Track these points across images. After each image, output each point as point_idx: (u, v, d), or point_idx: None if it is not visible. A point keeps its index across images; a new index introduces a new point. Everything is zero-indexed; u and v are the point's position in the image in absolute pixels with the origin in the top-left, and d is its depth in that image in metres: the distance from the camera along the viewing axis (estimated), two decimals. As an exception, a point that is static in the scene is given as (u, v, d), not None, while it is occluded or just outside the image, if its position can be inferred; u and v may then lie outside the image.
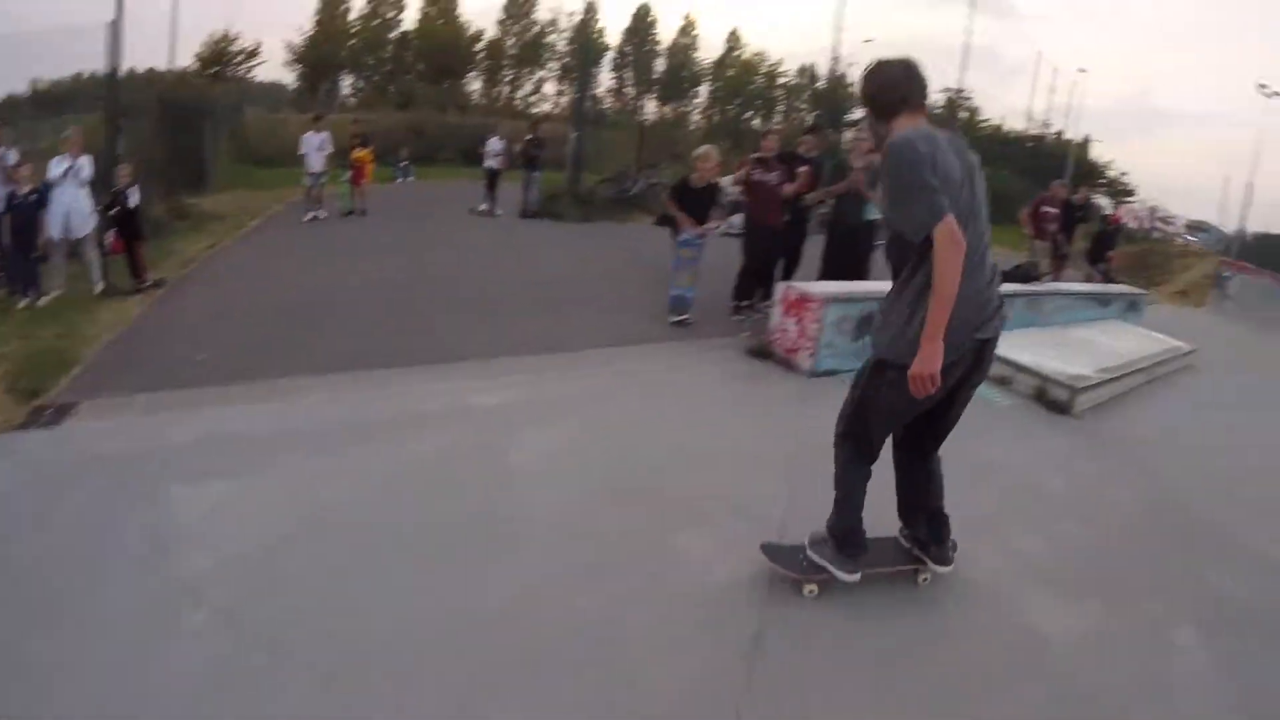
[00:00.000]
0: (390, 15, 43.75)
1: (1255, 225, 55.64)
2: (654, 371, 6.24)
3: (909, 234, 2.62)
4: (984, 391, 6.19)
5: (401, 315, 7.54)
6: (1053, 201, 11.31)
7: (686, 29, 46.72)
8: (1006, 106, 45.51)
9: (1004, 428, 5.80)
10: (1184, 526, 4.51)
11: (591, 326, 7.50)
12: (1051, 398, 6.43)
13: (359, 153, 14.32)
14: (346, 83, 43.05)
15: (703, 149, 8.01)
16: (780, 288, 6.92)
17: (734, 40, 47.01)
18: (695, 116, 45.93)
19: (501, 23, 46.13)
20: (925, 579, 3.27)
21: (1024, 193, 34.41)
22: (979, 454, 4.73)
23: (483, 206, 15.35)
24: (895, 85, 2.76)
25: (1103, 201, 47.02)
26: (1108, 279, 12.43)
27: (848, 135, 17.32)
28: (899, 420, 2.93)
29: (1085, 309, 9.44)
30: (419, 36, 42.75)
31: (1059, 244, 11.57)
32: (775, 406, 5.73)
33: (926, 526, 3.15)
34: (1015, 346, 7.09)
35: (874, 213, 8.12)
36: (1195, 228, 58.57)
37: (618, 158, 22.54)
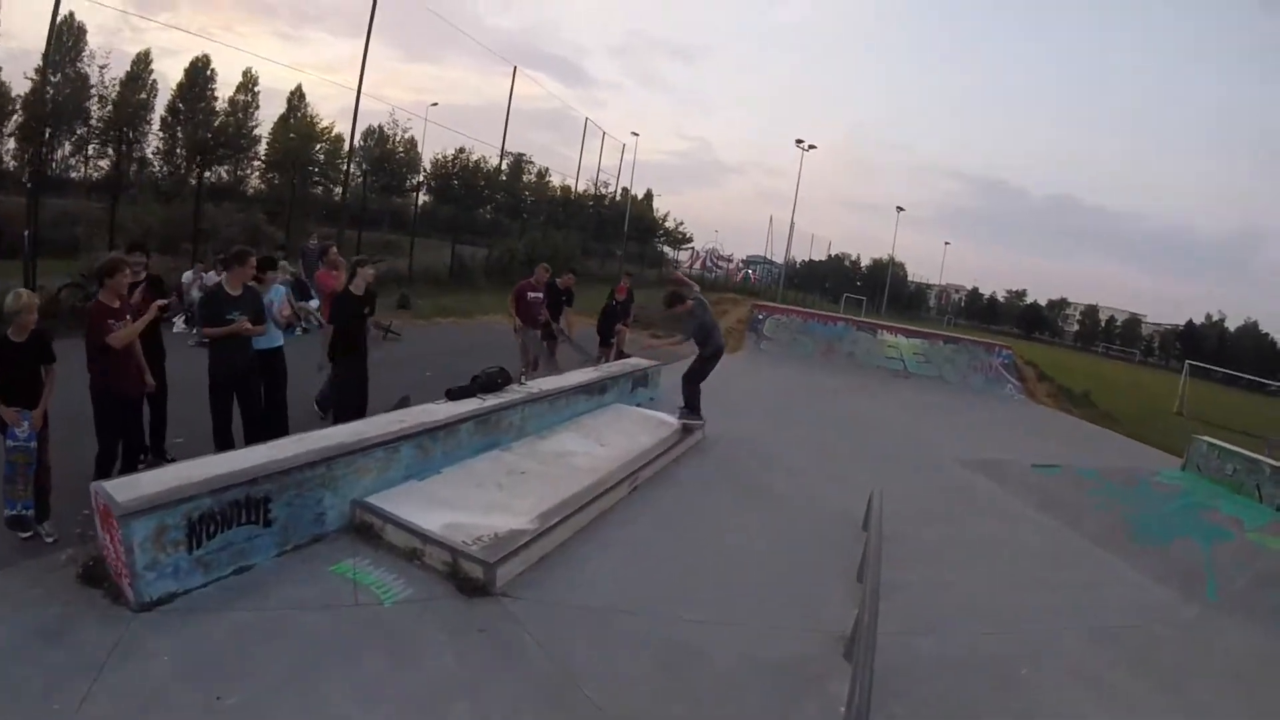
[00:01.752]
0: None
1: (800, 254, 66.67)
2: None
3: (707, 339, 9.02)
4: (374, 585, 4.48)
5: None
6: (536, 286, 10.27)
7: (247, 84, 41.63)
8: (576, 167, 47.79)
9: (373, 653, 4.08)
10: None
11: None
12: (465, 575, 4.85)
13: None
14: None
15: (18, 298, 5.16)
16: (92, 489, 4.56)
17: (298, 99, 42.93)
18: (255, 182, 40.73)
19: (40, 71, 36.74)
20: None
21: (589, 248, 36.38)
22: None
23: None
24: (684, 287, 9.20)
25: (669, 253, 51.98)
26: (620, 354, 11.86)
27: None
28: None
29: (572, 405, 8.35)
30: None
31: (552, 330, 10.63)
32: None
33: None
34: (439, 500, 5.52)
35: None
36: (750, 262, 68.09)
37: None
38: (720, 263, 57.19)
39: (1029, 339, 69.82)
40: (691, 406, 8.92)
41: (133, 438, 5.89)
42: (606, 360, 11.62)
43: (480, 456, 6.65)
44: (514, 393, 7.59)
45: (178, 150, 39.88)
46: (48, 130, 19.45)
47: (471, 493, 5.85)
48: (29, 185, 14.34)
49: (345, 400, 7.13)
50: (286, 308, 7.14)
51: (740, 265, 65.13)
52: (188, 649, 3.86)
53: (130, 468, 5.79)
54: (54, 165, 36.20)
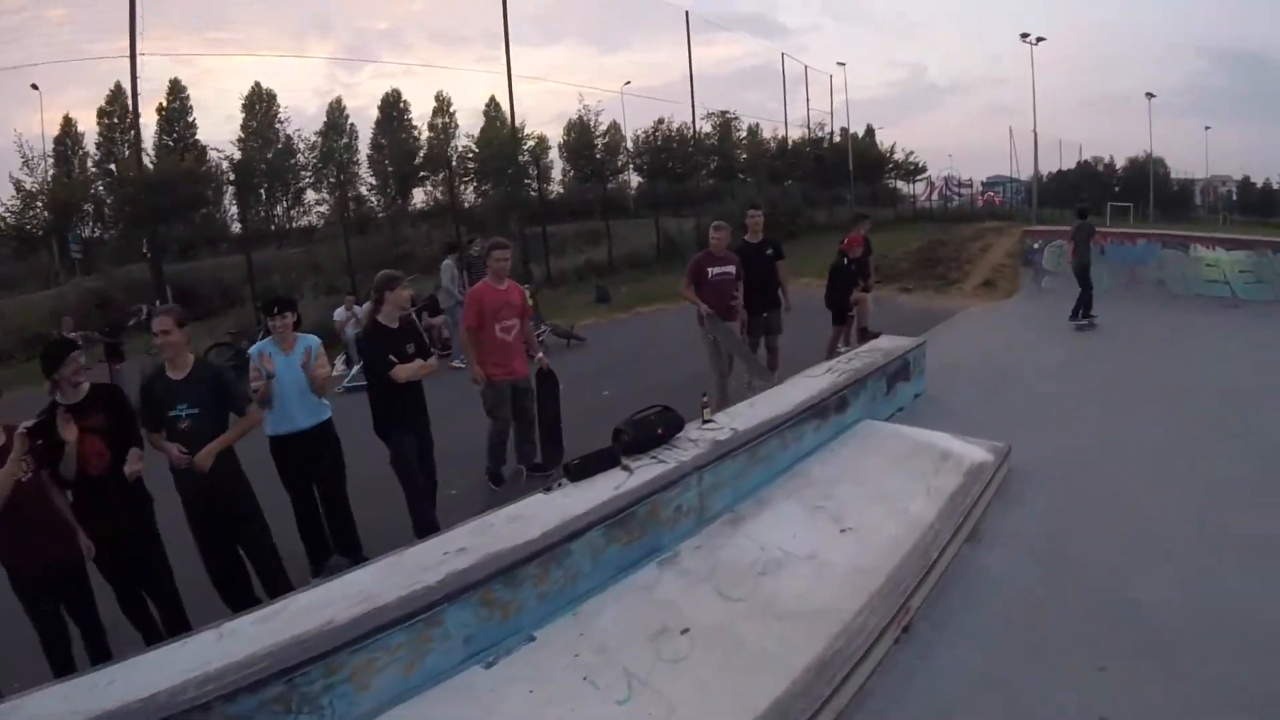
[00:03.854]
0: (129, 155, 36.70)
1: (1046, 165, 57.05)
2: None
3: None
4: None
5: None
6: (720, 256, 6.89)
7: (441, 108, 42.58)
8: (783, 114, 43.60)
9: None
10: None
11: None
12: None
13: None
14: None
15: None
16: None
17: (493, 109, 43.03)
18: (472, 197, 41.20)
19: (241, 140, 40.12)
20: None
21: (813, 198, 32.15)
22: None
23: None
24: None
25: (902, 187, 45.88)
26: (864, 334, 8.31)
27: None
28: None
29: (791, 447, 5.11)
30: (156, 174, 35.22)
31: (757, 321, 7.18)
32: None
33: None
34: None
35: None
36: (991, 183, 59.50)
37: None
38: (960, 189, 49.88)
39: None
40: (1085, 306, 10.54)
41: (84, 622, 3.73)
42: (846, 346, 8.16)
43: (615, 586, 3.66)
44: (686, 447, 4.51)
45: (389, 182, 41.38)
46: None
47: (568, 703, 2.89)
48: (148, 255, 14.06)
49: (410, 487, 4.57)
50: (321, 365, 4.66)
51: (981, 188, 57.04)
52: None
53: (100, 654, 3.68)
54: (275, 220, 38.70)
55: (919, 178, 45.17)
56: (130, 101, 13.24)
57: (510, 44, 24.48)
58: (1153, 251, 14.58)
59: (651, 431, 4.49)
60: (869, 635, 3.20)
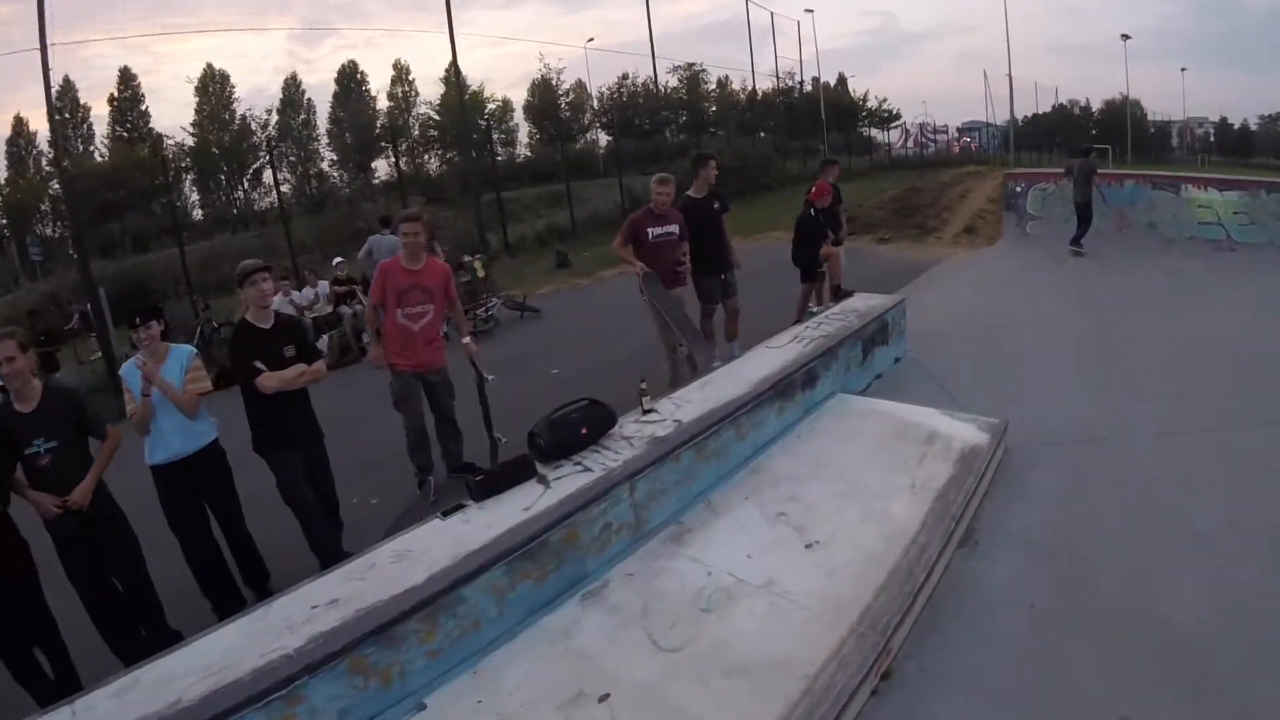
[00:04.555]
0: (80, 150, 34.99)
1: (1022, 110, 56.24)
2: None
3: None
4: None
5: None
6: (663, 215, 6.01)
7: (400, 76, 41.06)
8: (750, 63, 42.45)
9: None
10: None
11: None
12: None
13: None
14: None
15: None
16: None
17: (453, 75, 41.68)
18: (434, 166, 39.71)
19: (198, 125, 38.50)
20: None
21: (786, 149, 31.16)
22: None
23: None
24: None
25: (877, 136, 44.87)
26: (837, 293, 7.57)
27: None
28: None
29: (750, 435, 4.39)
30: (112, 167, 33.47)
31: (714, 284, 6.45)
32: None
33: None
34: None
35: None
36: (966, 129, 58.61)
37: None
38: (935, 135, 49.12)
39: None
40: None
41: None
42: (818, 306, 7.43)
43: (527, 632, 2.96)
44: (619, 447, 3.78)
45: (350, 156, 40.03)
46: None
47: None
48: (75, 256, 13.22)
49: (303, 515, 3.85)
50: (200, 379, 3.90)
51: (957, 134, 56.37)
52: None
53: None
54: (236, 204, 37.49)
55: (893, 125, 44.30)
56: (45, 94, 12.17)
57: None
58: (1141, 193, 13.78)
59: (574, 432, 3.76)
60: (839, 695, 2.52)
